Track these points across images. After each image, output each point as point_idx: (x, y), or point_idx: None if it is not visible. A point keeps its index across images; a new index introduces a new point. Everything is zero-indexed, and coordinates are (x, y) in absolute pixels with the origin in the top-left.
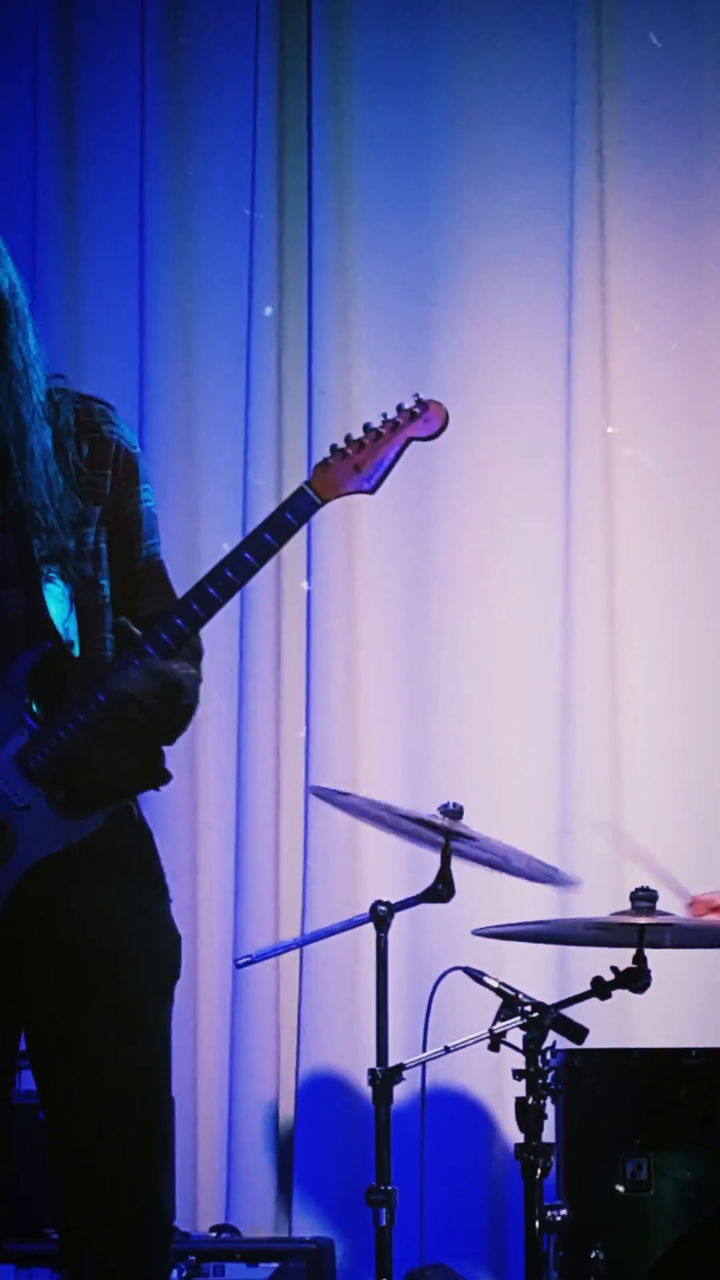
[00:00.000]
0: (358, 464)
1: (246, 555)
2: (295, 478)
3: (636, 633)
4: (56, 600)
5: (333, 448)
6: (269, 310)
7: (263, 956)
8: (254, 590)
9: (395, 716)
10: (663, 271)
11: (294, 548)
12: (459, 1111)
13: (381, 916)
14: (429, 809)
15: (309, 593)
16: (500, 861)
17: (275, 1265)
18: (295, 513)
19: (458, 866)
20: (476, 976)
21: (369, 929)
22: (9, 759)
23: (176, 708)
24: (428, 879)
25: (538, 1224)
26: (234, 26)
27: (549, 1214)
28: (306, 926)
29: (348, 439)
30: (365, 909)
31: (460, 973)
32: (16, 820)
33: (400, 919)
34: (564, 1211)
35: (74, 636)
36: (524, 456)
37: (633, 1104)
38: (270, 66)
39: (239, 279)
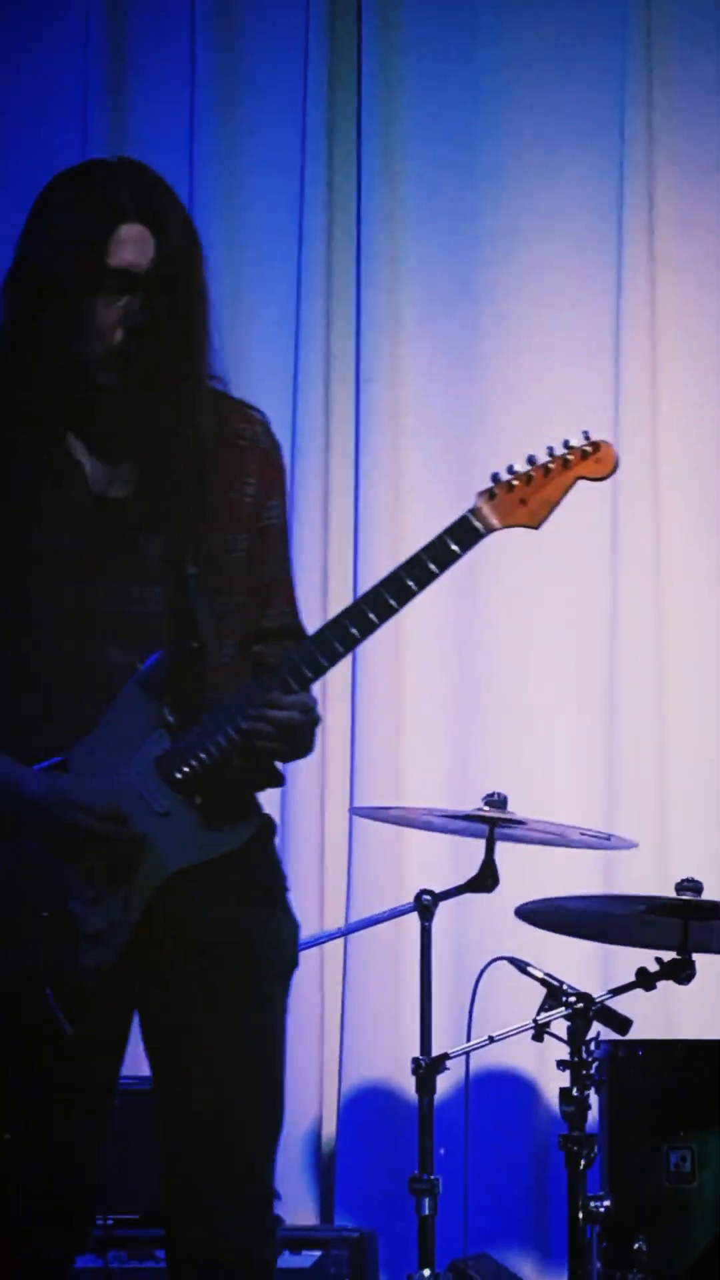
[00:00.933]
0: (524, 498)
1: (407, 580)
2: (344, 463)
3: (684, 617)
4: (197, 602)
5: (496, 478)
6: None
7: (306, 946)
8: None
9: (439, 706)
10: (714, 238)
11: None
12: (502, 1101)
13: (426, 905)
14: (473, 800)
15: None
16: (555, 838)
17: (318, 1254)
18: (459, 541)
19: (503, 855)
20: (521, 967)
21: (413, 919)
22: (149, 762)
23: (300, 747)
24: (472, 868)
25: (581, 1215)
26: None
27: (592, 1205)
28: (350, 916)
29: (512, 470)
30: (409, 898)
31: (505, 963)
32: (155, 828)
33: (444, 908)
34: (607, 1202)
35: (210, 640)
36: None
37: (676, 1095)
38: (320, 35)
39: (288, 254)
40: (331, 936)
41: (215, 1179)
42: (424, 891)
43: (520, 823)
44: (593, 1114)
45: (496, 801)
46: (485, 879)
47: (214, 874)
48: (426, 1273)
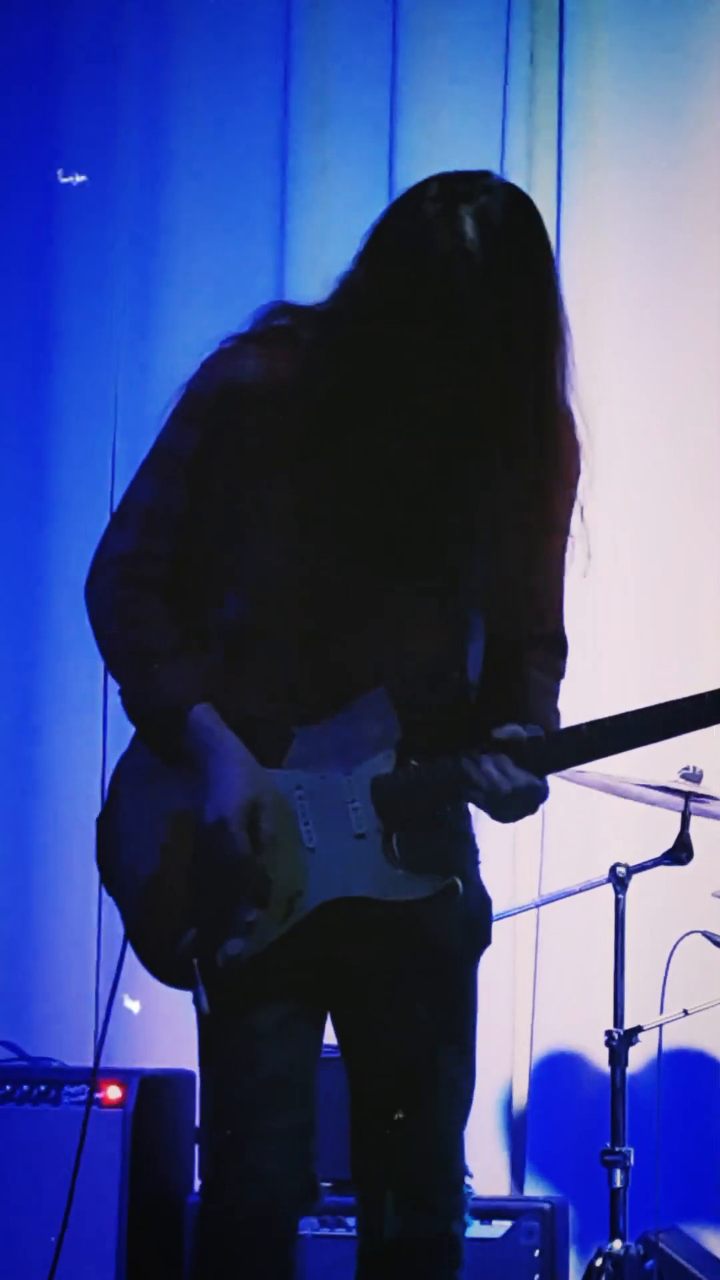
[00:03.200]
0: None
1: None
2: None
3: None
4: (476, 642)
5: None
6: None
7: (499, 918)
8: None
9: (636, 672)
10: None
11: None
12: (696, 1075)
13: (620, 878)
14: (669, 774)
15: None
16: None
17: (509, 1224)
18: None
19: (698, 828)
20: (715, 941)
21: (606, 892)
22: (367, 778)
23: (504, 814)
24: (666, 841)
25: None
26: None
27: None
28: (543, 889)
29: None
30: (603, 871)
31: (699, 936)
32: (345, 848)
33: (639, 880)
34: None
35: (475, 675)
36: None
37: None
38: None
39: None
40: (524, 909)
41: (407, 1155)
42: (618, 864)
43: (715, 799)
44: None
45: (693, 775)
46: (679, 852)
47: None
48: (617, 1244)
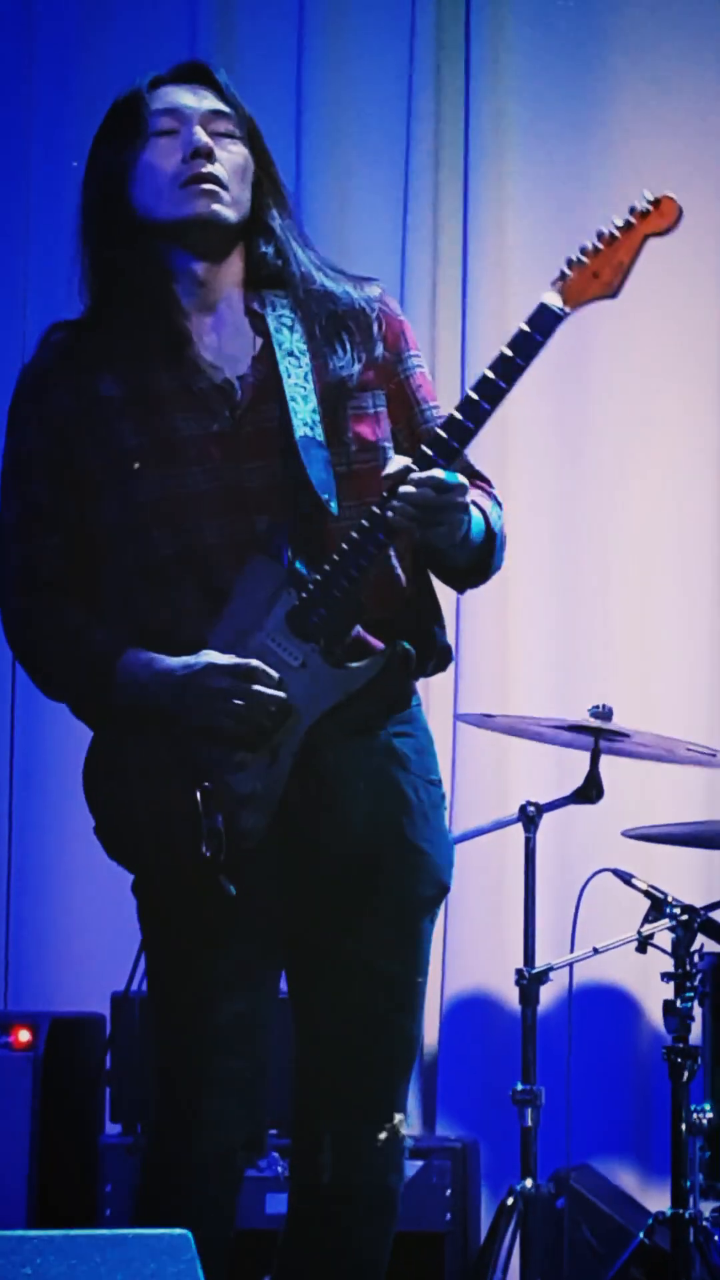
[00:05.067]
0: (596, 271)
1: (497, 380)
2: (450, 343)
3: None
4: (310, 468)
5: (568, 260)
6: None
7: None
8: None
9: (545, 615)
10: None
11: None
12: (606, 1013)
13: (530, 816)
14: (579, 712)
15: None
16: (664, 754)
17: (420, 1164)
18: (540, 328)
19: (609, 767)
20: (625, 879)
21: (517, 830)
22: (280, 619)
23: (456, 519)
24: (576, 781)
25: (684, 1127)
26: None
27: (695, 1116)
28: (454, 828)
29: (582, 249)
30: (513, 810)
31: (609, 874)
32: (294, 680)
33: (549, 820)
34: (710, 1114)
35: (333, 499)
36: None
37: None
38: None
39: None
40: None
41: (348, 1104)
42: (529, 803)
43: (625, 735)
44: (696, 1027)
45: (602, 713)
46: (590, 790)
47: (365, 761)
48: (529, 1183)
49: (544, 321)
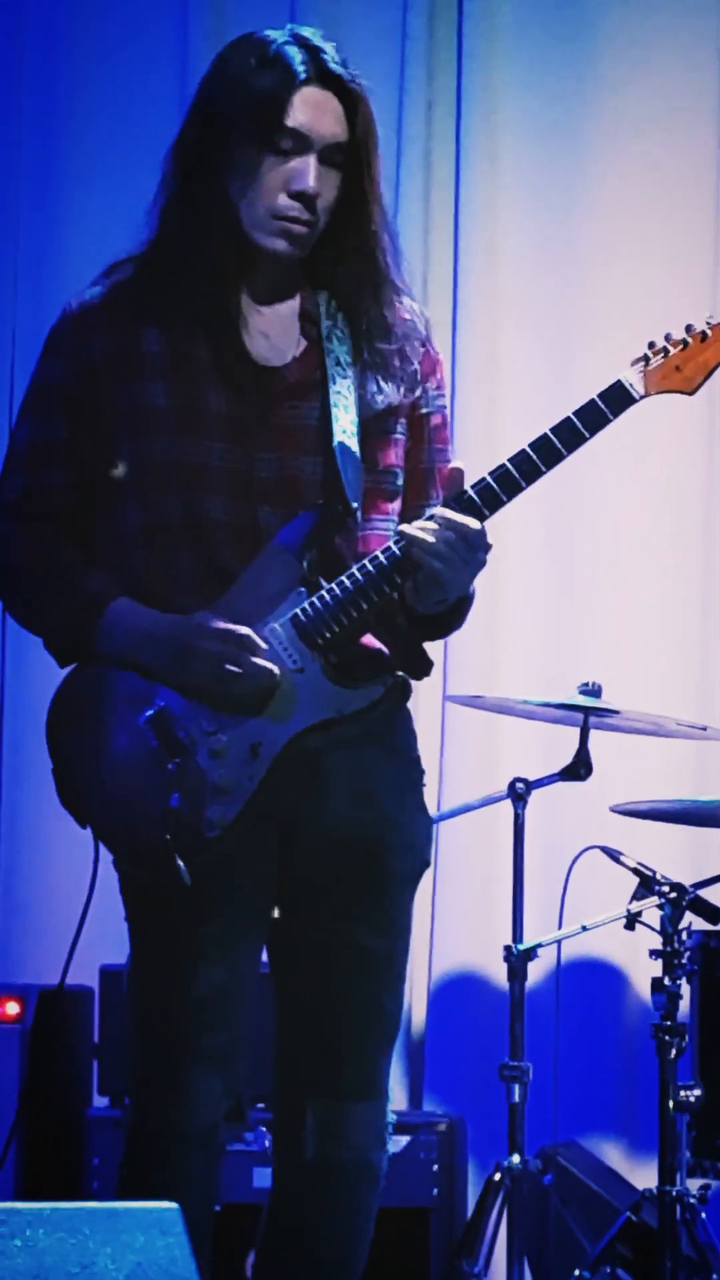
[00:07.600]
0: (679, 364)
1: (556, 442)
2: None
3: None
4: (347, 470)
5: (652, 345)
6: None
7: None
8: None
9: (534, 593)
10: None
11: None
12: (594, 990)
13: (519, 793)
14: (568, 691)
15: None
16: (653, 729)
17: (407, 1139)
18: (612, 406)
19: (598, 745)
20: (614, 856)
21: (505, 807)
22: (287, 619)
23: (468, 563)
24: (566, 758)
25: (671, 1104)
26: None
27: (683, 1094)
28: (442, 805)
29: (668, 338)
30: (502, 787)
31: (598, 851)
32: (288, 684)
33: (538, 797)
34: (697, 1092)
35: (359, 508)
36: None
37: None
38: None
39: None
40: None
41: (330, 1079)
42: (517, 779)
43: (615, 712)
44: (684, 1004)
45: (591, 690)
46: (578, 768)
47: (349, 736)
48: (515, 1159)
49: (617, 401)
